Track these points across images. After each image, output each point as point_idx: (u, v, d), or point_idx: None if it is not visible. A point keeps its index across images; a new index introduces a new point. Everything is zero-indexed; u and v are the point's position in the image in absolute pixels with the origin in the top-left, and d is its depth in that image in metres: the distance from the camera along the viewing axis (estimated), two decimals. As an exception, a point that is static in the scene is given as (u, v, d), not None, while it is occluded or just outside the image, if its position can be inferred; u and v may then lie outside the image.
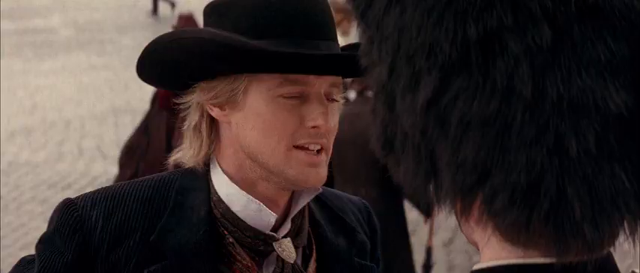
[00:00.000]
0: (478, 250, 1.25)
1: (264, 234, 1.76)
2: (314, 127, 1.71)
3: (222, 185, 1.78)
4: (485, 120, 1.14)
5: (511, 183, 1.14)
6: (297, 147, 1.72)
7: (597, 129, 1.13)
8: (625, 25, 1.14)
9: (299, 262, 1.82)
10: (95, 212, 1.76)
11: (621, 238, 1.19)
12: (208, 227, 1.75)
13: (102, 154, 10.95)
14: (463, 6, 1.14)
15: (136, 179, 1.86)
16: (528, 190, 1.14)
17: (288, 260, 1.76)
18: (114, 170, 10.09)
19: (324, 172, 1.74)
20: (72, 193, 9.27)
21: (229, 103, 1.73)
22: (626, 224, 1.17)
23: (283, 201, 1.79)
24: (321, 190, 1.82)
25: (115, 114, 12.60)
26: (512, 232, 1.17)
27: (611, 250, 1.22)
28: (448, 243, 7.78)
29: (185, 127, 1.81)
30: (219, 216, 1.77)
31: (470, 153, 1.15)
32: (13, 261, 6.82)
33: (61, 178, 10.04)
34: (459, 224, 1.26)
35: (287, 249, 1.76)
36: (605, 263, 1.21)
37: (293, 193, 1.80)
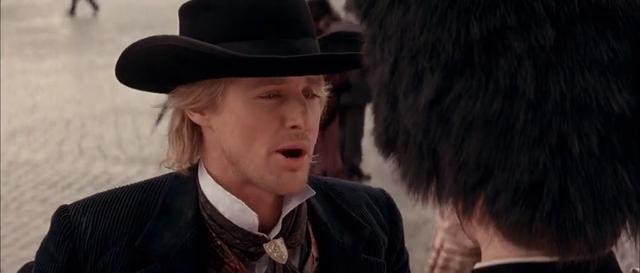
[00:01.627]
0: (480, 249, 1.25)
1: (253, 235, 1.74)
2: (293, 127, 1.68)
3: (208, 186, 1.76)
4: (488, 120, 1.14)
5: (513, 183, 1.14)
6: (278, 152, 1.69)
7: (600, 129, 1.13)
8: (628, 25, 1.14)
9: (296, 262, 1.80)
10: (85, 218, 1.77)
11: (623, 237, 1.19)
12: (195, 230, 1.74)
13: (102, 153, 10.95)
14: (466, 5, 1.13)
15: (130, 184, 1.86)
16: (531, 190, 1.13)
17: (279, 261, 1.74)
18: (114, 170, 10.09)
19: (303, 175, 1.72)
20: (72, 193, 9.29)
21: (209, 107, 1.71)
22: (628, 224, 1.17)
23: (270, 201, 1.77)
24: (313, 193, 1.79)
25: (115, 113, 12.60)
26: (515, 232, 1.17)
27: (613, 249, 1.22)
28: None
29: (168, 131, 1.79)
30: (206, 218, 1.76)
31: (472, 153, 1.15)
32: (14, 260, 6.86)
33: (62, 178, 10.04)
34: (461, 224, 1.26)
35: (278, 250, 1.73)
36: (607, 263, 1.21)
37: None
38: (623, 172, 1.14)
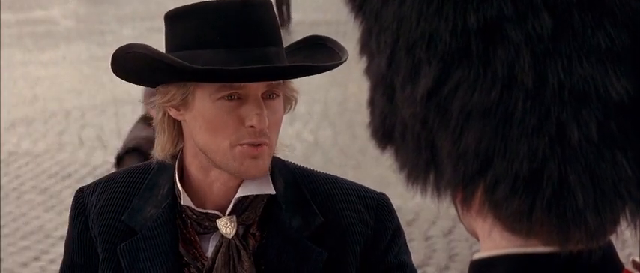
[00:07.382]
0: (478, 239, 1.25)
1: (210, 213, 1.97)
2: (251, 126, 1.88)
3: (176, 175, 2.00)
4: (487, 109, 1.14)
5: (513, 172, 1.14)
6: (240, 145, 1.90)
7: (598, 117, 1.13)
8: (625, 13, 1.14)
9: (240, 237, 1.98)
10: (95, 195, 2.06)
11: (622, 225, 1.19)
12: (170, 200, 1.99)
13: (102, 144, 10.95)
14: (463, -5, 1.14)
15: (134, 165, 2.14)
16: (530, 179, 1.14)
17: (226, 236, 1.95)
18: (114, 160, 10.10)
19: (264, 163, 1.92)
20: (72, 183, 9.30)
21: (182, 105, 1.93)
22: (627, 212, 1.17)
23: (233, 185, 1.98)
24: (273, 192, 1.98)
25: (115, 104, 12.60)
26: (514, 222, 1.17)
27: (613, 237, 1.22)
28: (448, 232, 7.78)
29: (154, 124, 2.02)
30: (177, 194, 2.00)
31: (471, 142, 1.15)
32: (14, 250, 6.86)
33: (62, 168, 10.05)
34: (459, 214, 1.26)
35: (226, 226, 1.95)
36: (606, 252, 1.21)
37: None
38: (622, 159, 1.14)
